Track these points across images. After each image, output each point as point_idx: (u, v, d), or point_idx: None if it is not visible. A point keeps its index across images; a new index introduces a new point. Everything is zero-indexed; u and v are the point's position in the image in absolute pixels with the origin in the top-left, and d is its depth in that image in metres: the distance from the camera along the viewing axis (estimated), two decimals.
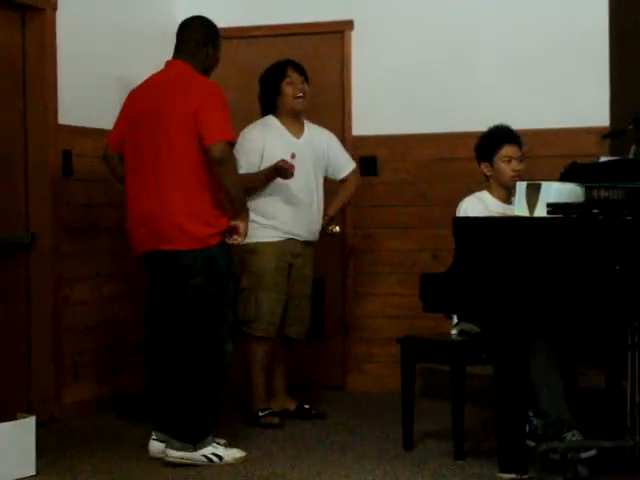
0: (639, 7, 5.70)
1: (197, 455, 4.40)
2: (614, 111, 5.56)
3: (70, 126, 5.36)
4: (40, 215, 5.22)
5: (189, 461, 4.39)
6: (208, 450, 4.41)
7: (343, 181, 5.47)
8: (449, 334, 4.76)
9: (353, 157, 6.08)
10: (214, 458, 4.40)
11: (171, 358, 4.44)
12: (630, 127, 4.79)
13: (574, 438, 4.22)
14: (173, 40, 6.04)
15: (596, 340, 4.59)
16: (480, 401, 4.99)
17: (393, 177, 6.04)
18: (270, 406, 5.23)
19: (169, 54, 6.43)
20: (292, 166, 5.06)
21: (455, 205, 4.81)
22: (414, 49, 5.96)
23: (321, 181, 5.35)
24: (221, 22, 6.20)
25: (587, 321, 4.11)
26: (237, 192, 4.43)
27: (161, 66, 6.68)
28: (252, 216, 4.95)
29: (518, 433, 3.96)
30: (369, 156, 6.07)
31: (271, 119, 5.29)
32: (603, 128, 5.42)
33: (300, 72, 5.29)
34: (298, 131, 5.28)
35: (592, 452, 4.07)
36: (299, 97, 5.24)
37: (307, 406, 5.33)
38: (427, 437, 4.82)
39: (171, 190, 4.39)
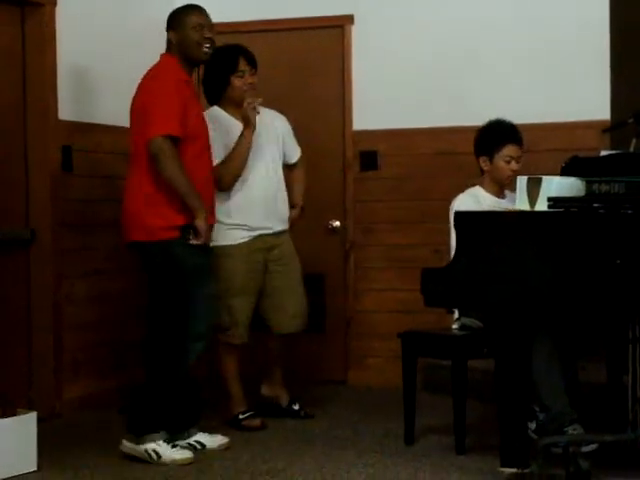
0: (639, 1, 5.69)
1: (140, 448, 4.40)
2: (615, 105, 5.55)
3: (70, 122, 5.35)
4: (40, 211, 5.21)
5: (135, 453, 4.40)
6: (150, 446, 4.38)
7: (293, 166, 5.26)
8: (450, 329, 4.76)
9: (353, 152, 6.10)
10: (153, 455, 4.38)
11: (147, 352, 4.50)
12: (631, 121, 4.78)
13: (575, 432, 4.22)
14: None
15: (597, 334, 4.59)
16: (481, 396, 4.99)
17: (393, 172, 6.04)
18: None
19: None
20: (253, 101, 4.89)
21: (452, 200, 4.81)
22: (414, 44, 5.96)
23: (280, 166, 5.14)
24: (221, 17, 6.21)
25: (588, 315, 4.10)
26: (181, 188, 4.31)
27: None
28: (217, 216, 4.83)
29: (520, 427, 3.96)
30: (369, 151, 6.07)
31: (217, 111, 5.08)
32: (604, 122, 5.42)
33: (252, 63, 5.08)
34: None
35: (593, 446, 4.07)
36: (247, 90, 5.02)
37: (296, 407, 5.24)
38: (428, 432, 4.82)
39: (132, 183, 4.44)
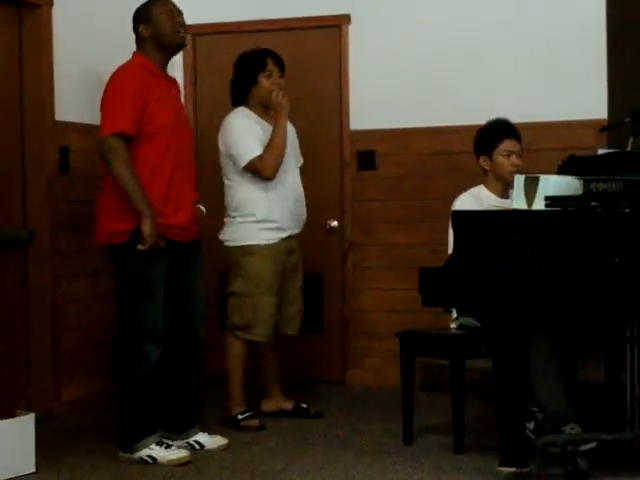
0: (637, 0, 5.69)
1: (135, 457, 4.41)
2: (612, 104, 5.55)
3: (67, 122, 5.35)
4: (37, 212, 5.21)
5: (134, 461, 4.40)
6: (144, 452, 4.39)
7: None
8: (448, 328, 4.76)
9: (351, 152, 6.10)
10: (149, 460, 4.38)
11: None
12: (628, 120, 4.78)
13: (573, 431, 4.22)
14: None
15: (595, 333, 4.59)
16: (480, 395, 4.99)
17: (391, 171, 6.03)
18: (262, 408, 5.21)
19: None
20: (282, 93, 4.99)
21: (454, 199, 4.80)
22: (412, 43, 5.95)
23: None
24: (218, 17, 6.25)
25: (586, 314, 4.11)
26: (125, 188, 4.25)
27: None
28: (246, 217, 4.93)
29: (518, 426, 3.96)
30: (367, 150, 6.06)
31: (246, 111, 5.12)
32: (601, 121, 5.42)
33: (279, 65, 5.15)
34: (271, 122, 5.10)
35: (592, 445, 4.08)
36: (275, 91, 5.06)
37: (304, 405, 5.26)
38: (427, 431, 4.82)
39: (100, 186, 4.46)
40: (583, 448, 3.96)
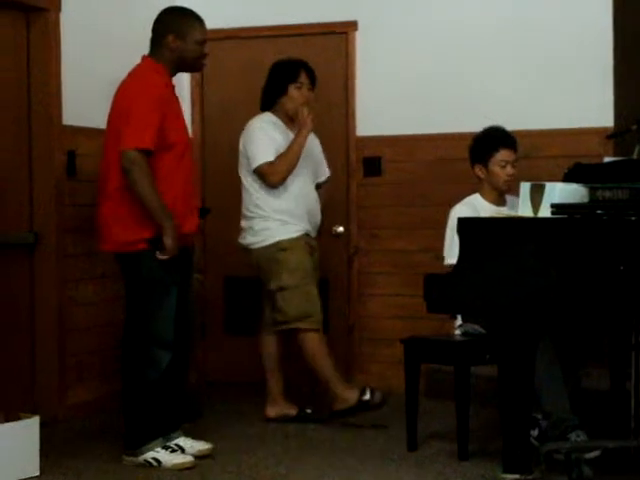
0: None
1: (140, 459, 4.41)
2: (618, 111, 5.55)
3: (74, 126, 5.36)
4: (44, 215, 5.22)
5: (138, 465, 4.40)
6: (149, 455, 4.40)
7: (320, 185, 5.40)
8: (453, 335, 4.76)
9: (357, 158, 6.11)
10: (153, 463, 4.39)
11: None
12: (634, 127, 4.78)
13: (578, 438, 4.21)
14: None
15: (600, 340, 4.59)
16: (484, 402, 4.99)
17: (397, 177, 6.04)
18: (267, 414, 5.21)
19: None
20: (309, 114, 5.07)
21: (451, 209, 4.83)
22: (418, 50, 5.96)
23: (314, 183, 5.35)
24: (225, 23, 6.26)
25: (591, 321, 4.10)
26: (148, 203, 4.27)
27: None
28: (265, 216, 5.03)
29: (522, 433, 3.96)
30: (373, 157, 6.07)
31: (272, 117, 5.22)
32: (607, 128, 5.41)
33: (311, 79, 5.23)
34: (294, 133, 5.18)
35: (596, 452, 4.07)
36: (303, 103, 5.16)
37: (309, 410, 5.26)
38: (431, 438, 4.82)
39: (104, 192, 4.45)
40: (587, 456, 3.95)
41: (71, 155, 5.35)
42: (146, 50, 6.03)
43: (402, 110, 5.99)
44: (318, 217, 5.30)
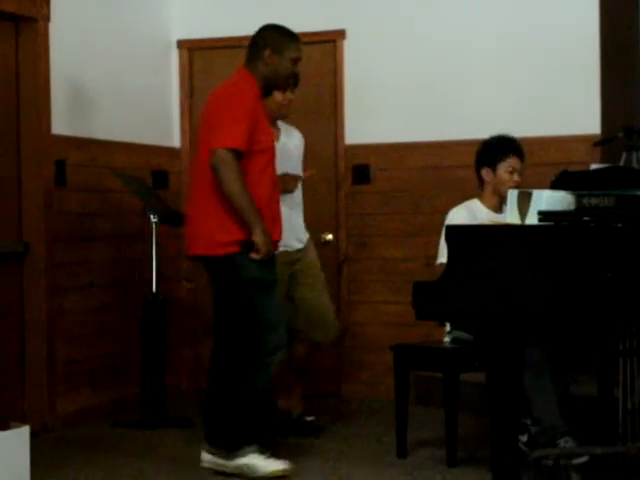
0: (630, 15, 5.73)
1: (232, 464, 4.36)
2: (605, 119, 5.58)
3: (63, 136, 5.37)
4: (33, 225, 5.22)
5: (226, 469, 4.36)
6: (243, 461, 4.34)
7: None
8: (442, 342, 4.77)
9: (346, 166, 6.12)
10: (247, 469, 4.33)
11: (215, 366, 4.46)
12: (621, 135, 4.80)
13: (567, 444, 4.23)
14: (165, 51, 6.10)
15: (588, 347, 4.60)
16: (473, 409, 5.00)
17: (386, 185, 6.06)
18: (278, 405, 5.20)
19: (162, 64, 6.48)
20: (295, 179, 5.03)
21: (448, 212, 4.83)
22: (406, 58, 5.98)
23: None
24: (214, 32, 6.28)
25: (579, 328, 4.12)
26: (238, 203, 4.28)
27: (154, 76, 6.72)
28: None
29: (511, 440, 3.97)
30: (362, 164, 6.09)
31: None
32: (594, 136, 5.44)
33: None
34: (278, 130, 5.12)
35: (584, 458, 4.08)
36: (285, 105, 5.13)
37: (310, 418, 5.22)
38: (421, 444, 4.83)
39: (198, 195, 4.42)
40: (575, 462, 3.97)
41: (60, 165, 5.36)
42: (134, 58, 6.09)
43: (391, 118, 6.01)
44: (301, 227, 5.19)
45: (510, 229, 3.93)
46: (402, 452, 4.65)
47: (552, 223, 3.84)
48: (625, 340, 4.15)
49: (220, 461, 4.38)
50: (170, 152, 6.33)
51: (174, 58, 6.35)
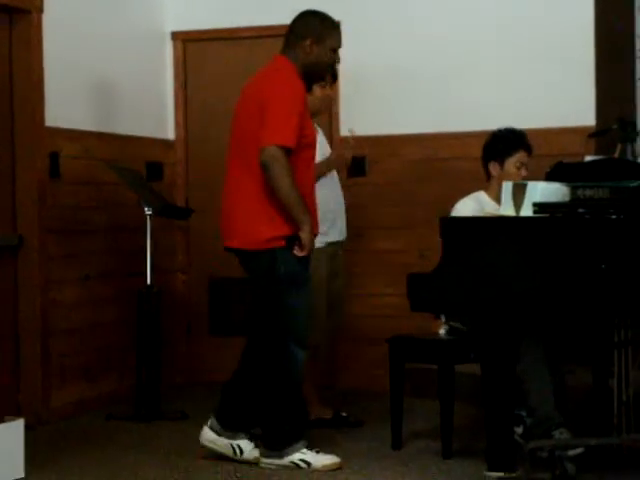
0: (624, 7, 5.72)
1: (285, 461, 4.36)
2: (600, 110, 5.58)
3: (57, 128, 5.36)
4: (27, 217, 5.21)
5: (279, 467, 4.36)
6: (296, 457, 4.35)
7: None
8: (438, 334, 4.77)
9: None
10: (302, 464, 4.34)
11: (250, 363, 4.45)
12: (615, 127, 4.81)
13: (562, 436, 4.23)
14: (160, 43, 6.05)
15: (583, 338, 4.61)
16: (468, 400, 5.01)
17: (381, 178, 6.05)
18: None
19: (156, 56, 6.45)
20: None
21: (443, 205, 4.82)
22: (401, 50, 5.98)
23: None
24: (208, 24, 6.27)
25: (574, 320, 4.12)
26: (287, 199, 4.21)
27: (148, 68, 6.70)
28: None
29: (506, 431, 3.97)
30: (357, 156, 6.07)
31: None
32: (589, 128, 5.44)
33: (334, 76, 5.15)
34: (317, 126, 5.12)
35: (579, 450, 4.09)
36: (326, 101, 5.14)
37: (345, 414, 5.21)
38: (415, 436, 4.84)
39: (240, 188, 4.35)
40: (571, 453, 3.97)
41: (54, 157, 5.34)
42: (128, 50, 6.06)
43: (386, 110, 6.00)
44: (344, 219, 5.24)
45: (505, 221, 3.93)
46: (397, 443, 4.65)
47: (547, 215, 3.84)
48: (620, 331, 4.16)
49: (271, 461, 4.37)
50: (164, 144, 6.32)
51: (168, 50, 6.34)
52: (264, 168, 4.22)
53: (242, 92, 4.48)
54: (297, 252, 4.28)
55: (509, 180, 4.73)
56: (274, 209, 4.28)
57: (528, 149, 4.79)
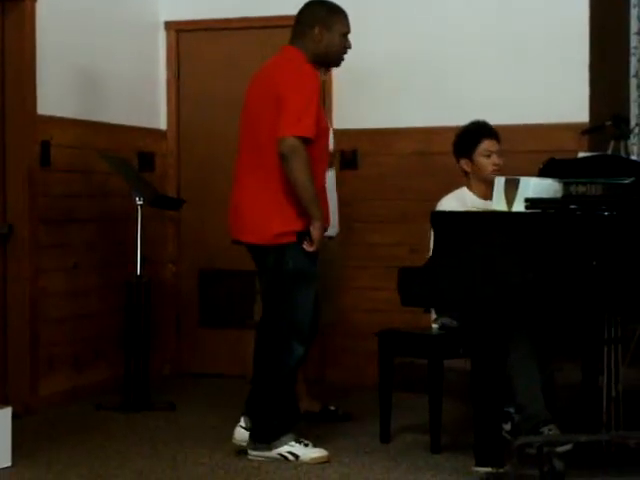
0: (619, 3, 5.73)
1: (273, 454, 4.34)
2: (593, 107, 5.58)
3: (48, 116, 5.33)
4: (17, 206, 5.19)
5: (267, 459, 4.34)
6: (284, 449, 4.34)
7: None
8: (428, 328, 4.77)
9: (334, 151, 6.09)
10: (290, 457, 4.32)
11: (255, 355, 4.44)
12: (609, 123, 4.82)
13: (551, 432, 4.23)
14: (153, 32, 6.01)
15: (573, 335, 4.61)
16: (457, 395, 5.01)
17: (373, 171, 6.04)
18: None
19: (149, 46, 6.42)
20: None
21: (435, 200, 4.81)
22: (395, 43, 5.96)
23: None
24: (202, 14, 6.24)
25: (564, 316, 4.12)
26: (303, 193, 4.16)
27: (141, 57, 6.67)
28: None
29: (494, 427, 3.98)
30: (350, 150, 6.07)
31: None
32: (582, 124, 5.44)
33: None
34: None
35: (568, 446, 4.08)
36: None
37: (333, 407, 5.20)
38: (404, 430, 4.83)
39: (252, 181, 4.30)
40: (559, 449, 3.97)
41: (45, 145, 5.32)
42: (121, 38, 6.04)
43: (378, 104, 5.99)
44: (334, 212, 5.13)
45: (496, 216, 3.93)
46: (385, 438, 4.65)
47: (539, 210, 3.84)
48: (610, 328, 4.16)
49: (259, 453, 4.36)
50: (156, 134, 6.30)
51: (161, 39, 6.31)
52: (283, 159, 4.15)
53: (252, 82, 4.43)
54: (307, 247, 4.25)
55: (483, 171, 4.76)
56: (286, 203, 4.23)
57: (492, 136, 4.77)
